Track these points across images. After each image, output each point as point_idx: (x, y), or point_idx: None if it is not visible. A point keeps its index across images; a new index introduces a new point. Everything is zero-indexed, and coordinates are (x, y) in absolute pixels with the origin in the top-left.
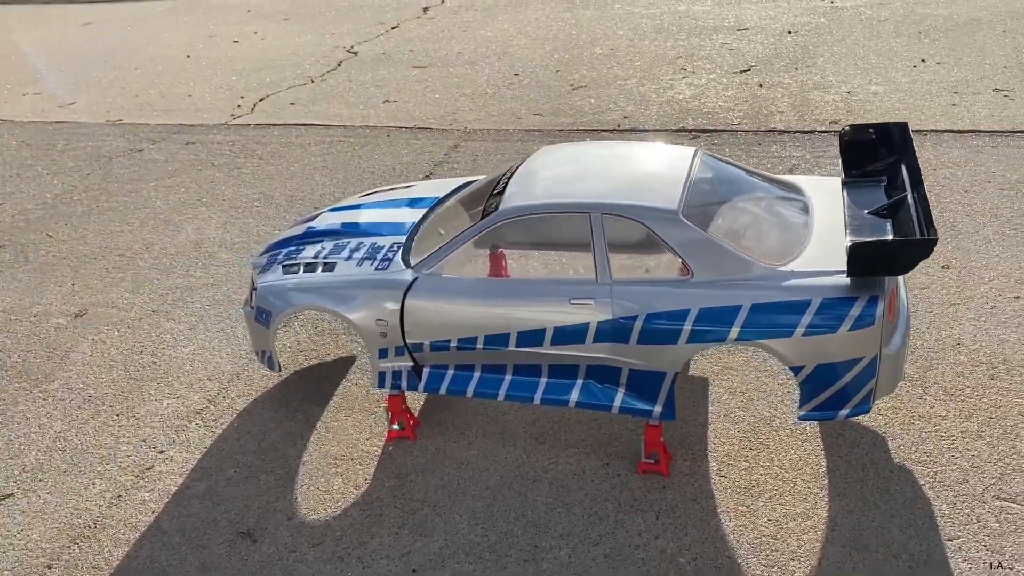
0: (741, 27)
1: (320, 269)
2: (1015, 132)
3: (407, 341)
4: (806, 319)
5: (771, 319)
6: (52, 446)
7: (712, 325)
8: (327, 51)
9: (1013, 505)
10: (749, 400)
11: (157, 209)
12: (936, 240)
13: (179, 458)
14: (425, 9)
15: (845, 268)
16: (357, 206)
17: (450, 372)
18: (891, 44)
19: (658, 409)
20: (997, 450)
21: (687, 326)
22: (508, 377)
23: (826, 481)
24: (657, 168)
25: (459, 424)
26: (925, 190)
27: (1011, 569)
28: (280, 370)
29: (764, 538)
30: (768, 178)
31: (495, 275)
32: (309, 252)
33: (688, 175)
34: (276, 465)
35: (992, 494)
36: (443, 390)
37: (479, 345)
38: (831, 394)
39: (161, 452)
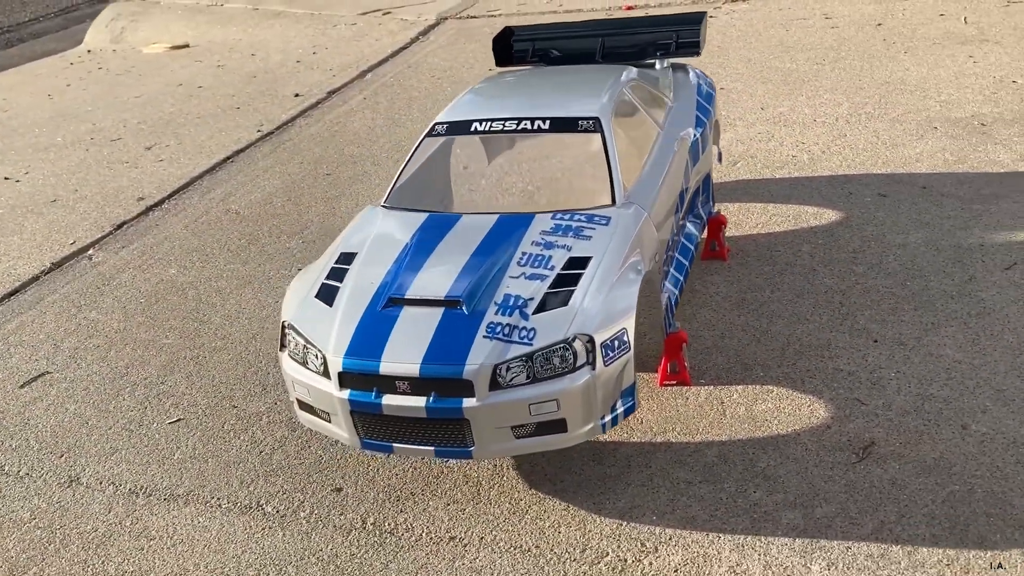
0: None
1: (575, 268)
2: None
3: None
4: (709, 96)
5: (707, 103)
6: None
7: (707, 115)
8: None
9: None
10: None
11: None
12: (706, 13)
13: None
14: None
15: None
16: (414, 265)
17: (667, 283)
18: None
19: (716, 159)
20: None
21: (709, 121)
22: (675, 253)
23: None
24: (578, 68)
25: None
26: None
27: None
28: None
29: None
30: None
31: None
32: (528, 288)
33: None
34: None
35: None
36: (678, 299)
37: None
38: (714, 132)
39: None
